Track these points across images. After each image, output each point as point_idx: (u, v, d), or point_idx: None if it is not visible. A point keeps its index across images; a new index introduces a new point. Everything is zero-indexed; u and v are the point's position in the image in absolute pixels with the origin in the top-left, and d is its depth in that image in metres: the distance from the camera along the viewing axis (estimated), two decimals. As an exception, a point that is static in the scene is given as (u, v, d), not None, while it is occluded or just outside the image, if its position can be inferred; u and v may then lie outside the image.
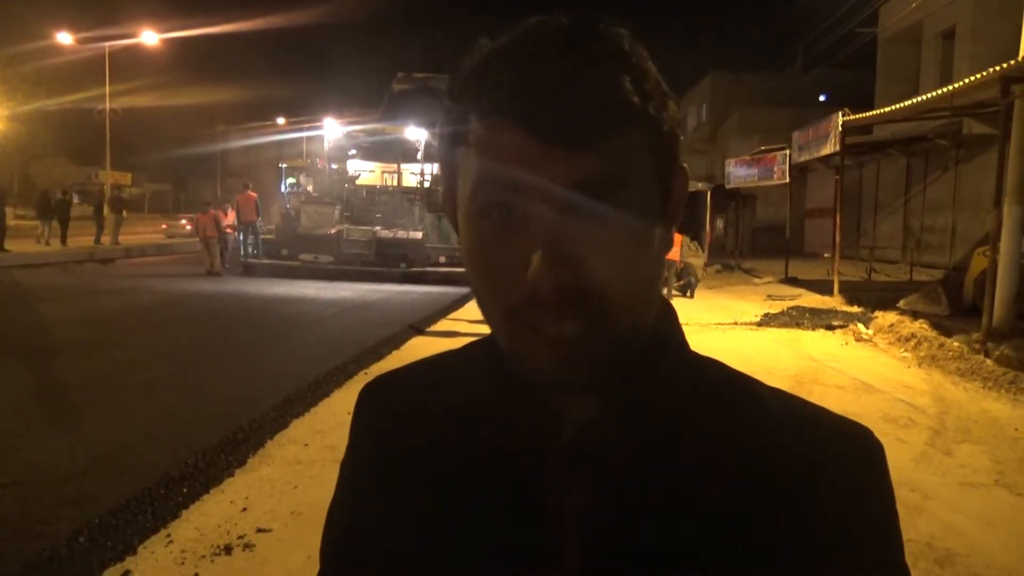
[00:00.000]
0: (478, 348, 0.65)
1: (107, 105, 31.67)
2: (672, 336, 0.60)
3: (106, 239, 23.17)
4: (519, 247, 0.50)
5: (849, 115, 13.79)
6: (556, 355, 0.51)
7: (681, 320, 0.62)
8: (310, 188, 19.29)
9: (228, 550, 3.38)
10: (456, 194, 0.56)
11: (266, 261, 16.98)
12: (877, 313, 10.89)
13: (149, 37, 31.78)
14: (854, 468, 0.55)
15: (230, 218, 17.70)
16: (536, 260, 0.49)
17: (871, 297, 12.48)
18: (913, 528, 3.69)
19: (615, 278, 0.50)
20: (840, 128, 13.84)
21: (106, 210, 23.46)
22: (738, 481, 0.53)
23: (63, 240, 22.66)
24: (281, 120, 53.91)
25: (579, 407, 0.56)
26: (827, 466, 0.54)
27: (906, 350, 8.76)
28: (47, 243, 22.64)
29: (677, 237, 11.27)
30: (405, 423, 0.63)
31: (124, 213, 24.44)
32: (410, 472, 0.60)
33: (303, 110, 57.51)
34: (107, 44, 30.87)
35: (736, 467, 0.54)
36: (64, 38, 30.93)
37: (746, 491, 0.53)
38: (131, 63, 37.53)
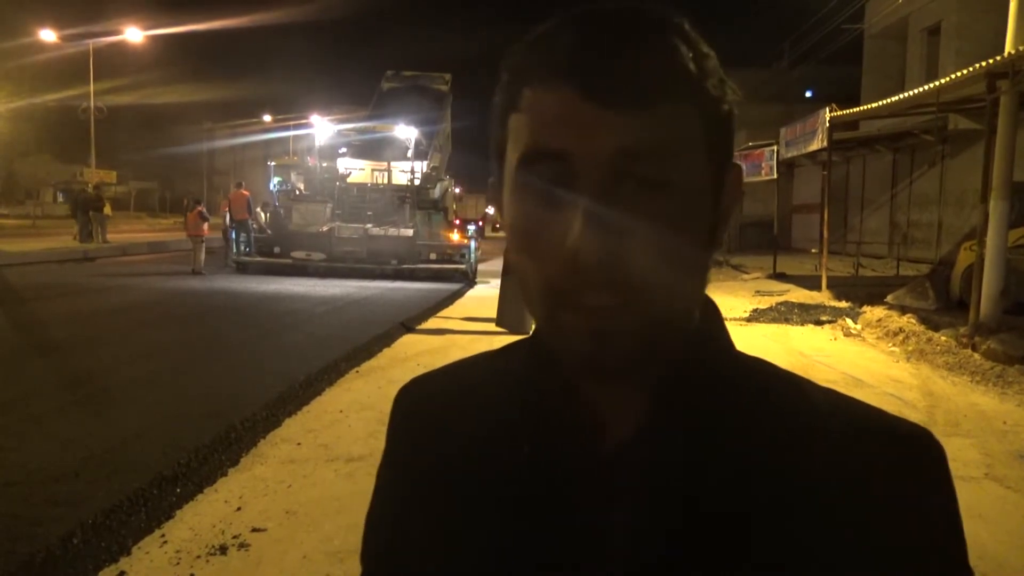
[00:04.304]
0: (518, 351, 0.62)
1: (91, 103, 31.41)
2: (720, 335, 0.58)
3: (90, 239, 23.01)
4: (564, 213, 0.48)
5: (836, 111, 13.86)
6: (591, 327, 0.49)
7: None
8: (301, 186, 19.21)
9: (223, 550, 3.37)
10: (503, 167, 0.55)
11: (258, 259, 16.95)
12: (865, 308, 10.96)
13: (134, 34, 31.54)
14: (913, 473, 0.52)
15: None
16: (578, 225, 0.47)
17: (859, 292, 12.57)
18: (905, 521, 3.72)
19: (656, 252, 0.48)
20: (827, 124, 13.92)
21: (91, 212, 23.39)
22: (785, 490, 0.51)
23: (103, 237, 23.22)
24: (268, 118, 53.71)
25: (624, 416, 0.54)
26: (885, 471, 0.51)
27: (894, 344, 8.83)
28: (88, 239, 22.97)
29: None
30: (442, 432, 0.61)
31: (108, 211, 24.25)
32: (449, 485, 0.58)
33: (290, 108, 57.29)
34: (91, 41, 30.60)
35: (782, 475, 0.51)
36: (48, 35, 30.63)
37: (793, 501, 0.50)
38: (116, 60, 37.26)
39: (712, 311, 0.59)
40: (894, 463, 0.52)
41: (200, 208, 17.15)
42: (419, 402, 0.66)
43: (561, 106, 0.48)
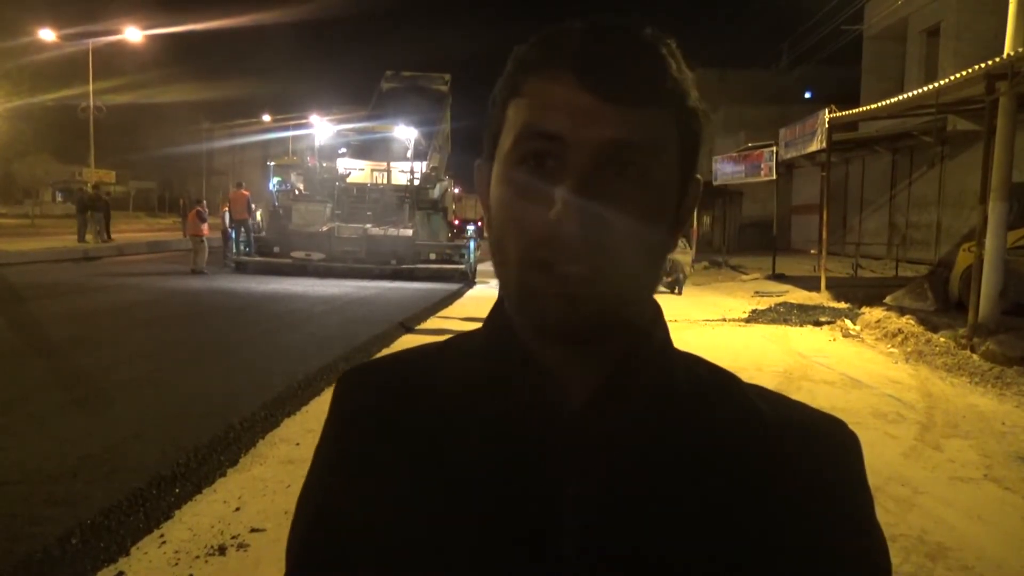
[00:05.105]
0: (470, 336, 0.65)
1: (91, 102, 31.38)
2: (664, 331, 0.62)
3: (90, 237, 22.95)
4: (551, 188, 0.52)
5: (835, 112, 13.87)
6: (564, 291, 0.53)
7: (670, 316, 0.64)
8: (301, 186, 19.22)
9: (222, 550, 3.37)
10: (496, 150, 0.58)
11: (258, 258, 16.96)
12: (864, 309, 10.97)
13: (133, 34, 31.52)
14: (835, 459, 0.58)
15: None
16: (563, 200, 0.51)
17: (858, 293, 12.58)
18: (904, 522, 3.72)
19: (628, 235, 0.53)
20: (827, 125, 13.92)
21: (88, 211, 23.29)
22: (722, 473, 0.55)
23: (107, 235, 23.37)
24: (267, 118, 53.67)
25: (579, 389, 0.57)
26: (809, 456, 0.57)
27: (893, 346, 8.83)
28: (88, 239, 22.94)
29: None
30: (395, 407, 0.62)
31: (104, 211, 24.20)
32: (402, 457, 0.59)
33: (289, 108, 57.29)
34: (91, 41, 30.57)
35: (720, 460, 0.56)
36: (47, 34, 30.60)
37: (729, 484, 0.55)
38: (115, 60, 37.24)
39: (656, 308, 0.63)
40: (814, 448, 0.58)
41: (198, 208, 17.18)
42: (371, 383, 0.66)
43: (562, 94, 0.53)
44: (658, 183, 0.55)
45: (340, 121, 23.15)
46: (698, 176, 0.61)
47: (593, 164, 0.52)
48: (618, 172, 0.53)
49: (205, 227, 16.93)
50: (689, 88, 0.56)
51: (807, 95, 31.33)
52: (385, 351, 8.11)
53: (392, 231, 17.24)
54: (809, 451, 0.57)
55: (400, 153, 19.55)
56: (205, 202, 18.39)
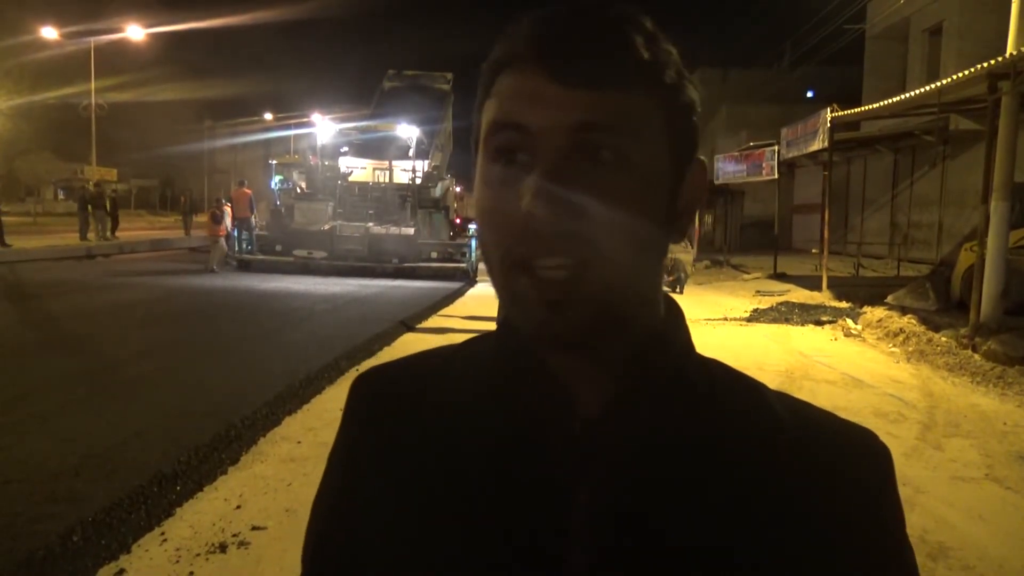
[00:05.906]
0: (483, 340, 0.64)
1: (92, 100, 31.38)
2: (682, 335, 0.60)
3: (92, 235, 22.95)
4: (521, 181, 0.51)
5: (837, 111, 13.86)
6: (546, 297, 0.51)
7: None
8: (303, 185, 19.25)
9: (223, 548, 3.37)
10: (477, 153, 0.57)
11: (260, 257, 17.00)
12: (865, 308, 10.96)
13: (135, 32, 31.52)
14: (865, 472, 0.56)
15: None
16: (532, 190, 0.50)
17: (859, 292, 12.57)
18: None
19: (608, 224, 0.51)
20: (828, 124, 13.91)
21: (89, 208, 23.24)
22: (747, 482, 0.54)
23: (112, 232, 23.61)
24: (269, 116, 53.67)
25: (592, 396, 0.56)
26: (837, 470, 0.55)
27: (895, 345, 8.83)
28: (90, 237, 22.89)
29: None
30: (406, 413, 0.61)
31: (107, 209, 24.19)
32: (411, 463, 0.59)
33: (291, 106, 57.20)
34: (92, 39, 30.57)
35: (744, 468, 0.54)
36: (49, 33, 30.60)
37: (755, 493, 0.53)
38: (117, 58, 37.20)
39: (676, 311, 0.61)
40: (848, 463, 0.56)
41: (213, 210, 17.31)
42: (382, 387, 0.65)
43: (524, 85, 0.52)
44: (639, 167, 0.52)
45: (342, 120, 23.24)
46: (701, 158, 0.58)
47: (562, 150, 0.51)
48: (590, 157, 0.51)
49: (221, 228, 17.04)
50: (667, 64, 0.54)
51: (809, 94, 31.30)
52: (387, 349, 8.19)
53: (394, 230, 17.26)
54: (831, 461, 0.55)
55: (402, 152, 19.56)
56: (224, 202, 18.42)
